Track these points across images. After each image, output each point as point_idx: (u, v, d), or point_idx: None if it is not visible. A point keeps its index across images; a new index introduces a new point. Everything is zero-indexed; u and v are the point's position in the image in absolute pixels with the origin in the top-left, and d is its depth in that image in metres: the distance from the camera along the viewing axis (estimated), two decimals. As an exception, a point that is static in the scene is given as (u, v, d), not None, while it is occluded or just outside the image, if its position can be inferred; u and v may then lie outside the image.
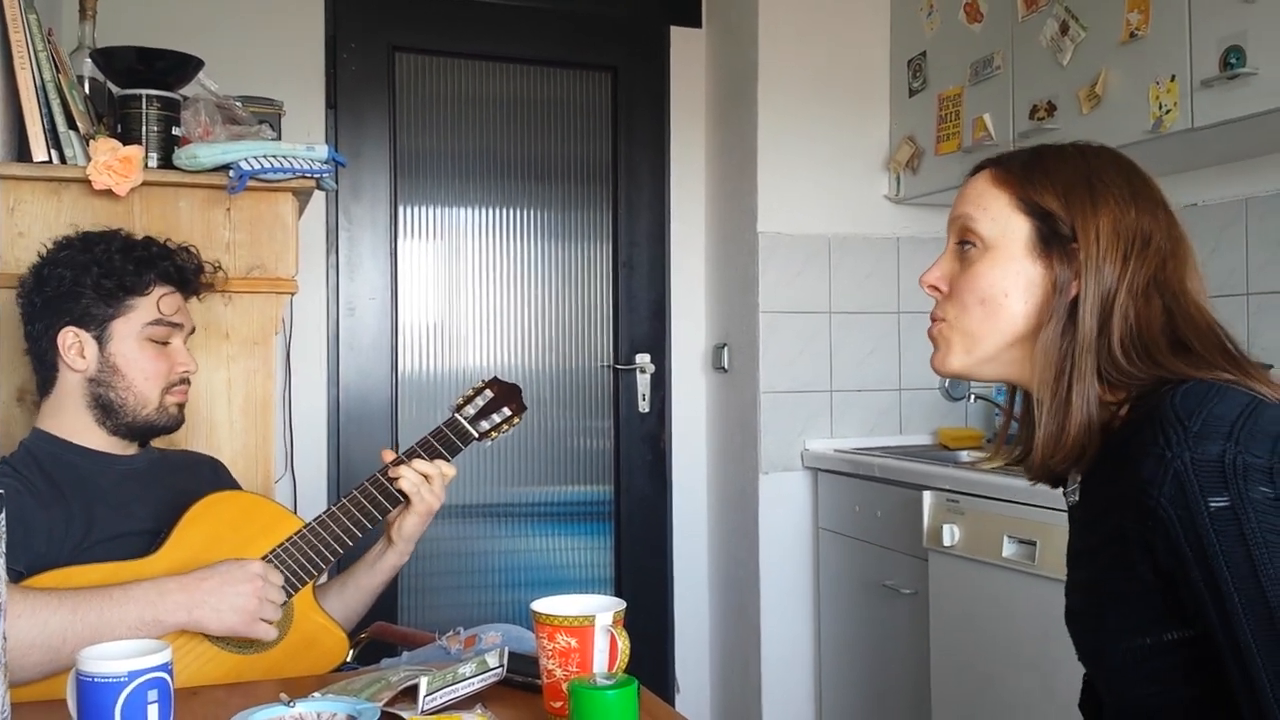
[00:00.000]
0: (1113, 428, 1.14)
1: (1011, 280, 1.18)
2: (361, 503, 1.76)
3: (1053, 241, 1.16)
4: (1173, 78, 2.30)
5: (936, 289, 1.25)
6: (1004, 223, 1.19)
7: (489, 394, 1.88)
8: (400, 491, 1.77)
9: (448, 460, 1.82)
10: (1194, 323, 1.14)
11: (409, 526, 1.80)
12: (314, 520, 1.73)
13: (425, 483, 1.78)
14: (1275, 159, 2.53)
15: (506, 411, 1.89)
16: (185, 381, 1.78)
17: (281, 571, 1.66)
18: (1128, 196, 1.17)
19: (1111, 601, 1.13)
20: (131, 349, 1.72)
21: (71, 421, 1.72)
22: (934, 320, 1.26)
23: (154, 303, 1.74)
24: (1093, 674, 1.23)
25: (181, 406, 1.78)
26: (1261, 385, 1.09)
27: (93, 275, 1.70)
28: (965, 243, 1.22)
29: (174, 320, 1.76)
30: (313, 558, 1.70)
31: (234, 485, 1.92)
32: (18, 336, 1.94)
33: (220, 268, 1.92)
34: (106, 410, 1.72)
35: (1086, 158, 1.21)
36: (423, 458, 1.80)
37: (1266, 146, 2.48)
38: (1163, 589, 1.06)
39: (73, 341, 1.71)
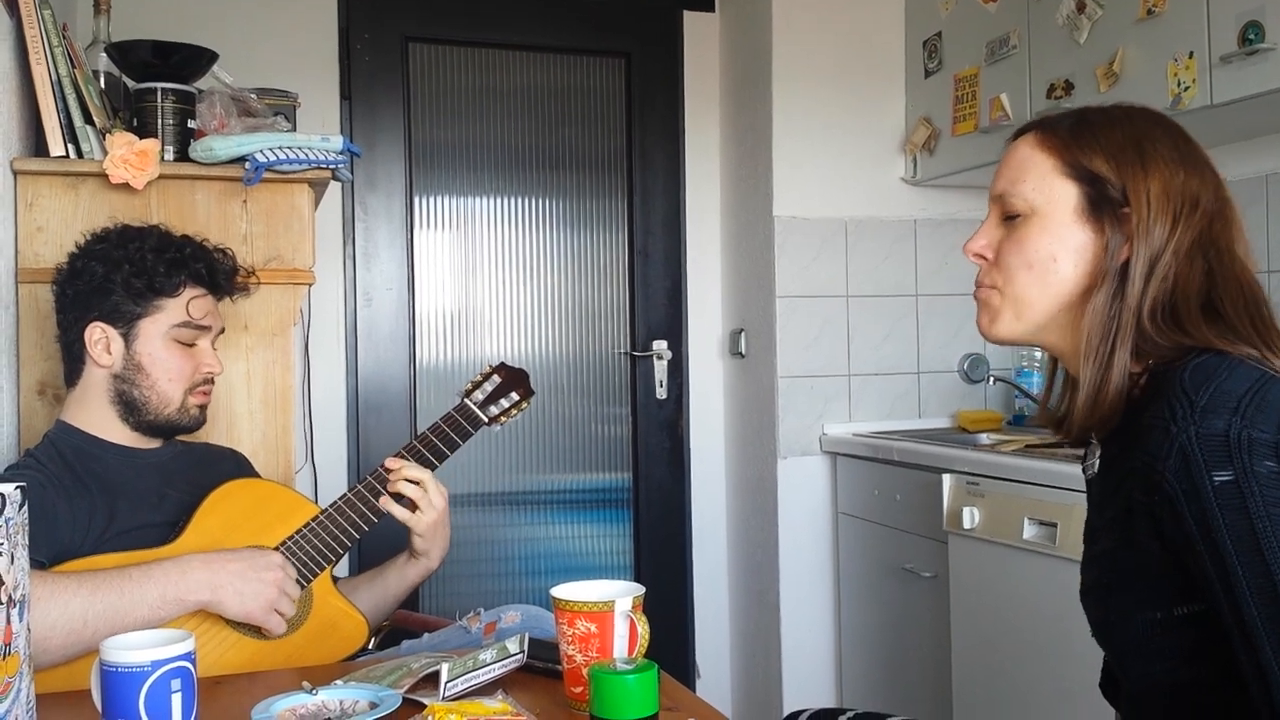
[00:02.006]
0: (1132, 397, 1.13)
1: (1060, 245, 1.17)
2: (376, 488, 1.77)
3: (1103, 206, 1.15)
4: (1191, 54, 2.28)
5: (982, 256, 1.24)
6: (1050, 189, 1.18)
7: (496, 379, 1.89)
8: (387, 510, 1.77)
9: (459, 445, 1.84)
10: (1236, 283, 1.14)
11: (417, 542, 1.82)
12: (330, 506, 1.75)
13: (426, 492, 1.77)
14: (1296, 135, 2.51)
15: (515, 396, 1.90)
16: (209, 382, 1.79)
17: (299, 557, 1.67)
18: (1176, 159, 1.16)
19: (1122, 576, 1.13)
20: (158, 349, 1.72)
21: (95, 415, 1.73)
22: (980, 286, 1.24)
23: (183, 304, 1.73)
24: (1105, 650, 1.22)
25: (204, 408, 1.79)
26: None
27: (124, 273, 1.70)
28: (1010, 215, 1.21)
29: (202, 323, 1.76)
30: (330, 543, 1.72)
31: (255, 477, 1.93)
32: (39, 330, 1.96)
33: (254, 272, 1.91)
34: (129, 407, 1.73)
35: (1134, 120, 1.20)
36: (422, 453, 1.81)
37: (1287, 122, 2.46)
38: (1171, 563, 1.06)
39: (99, 337, 1.71)
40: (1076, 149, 1.17)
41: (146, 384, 1.72)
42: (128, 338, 1.72)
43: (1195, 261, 1.13)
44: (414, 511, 1.77)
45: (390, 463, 1.78)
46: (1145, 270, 1.12)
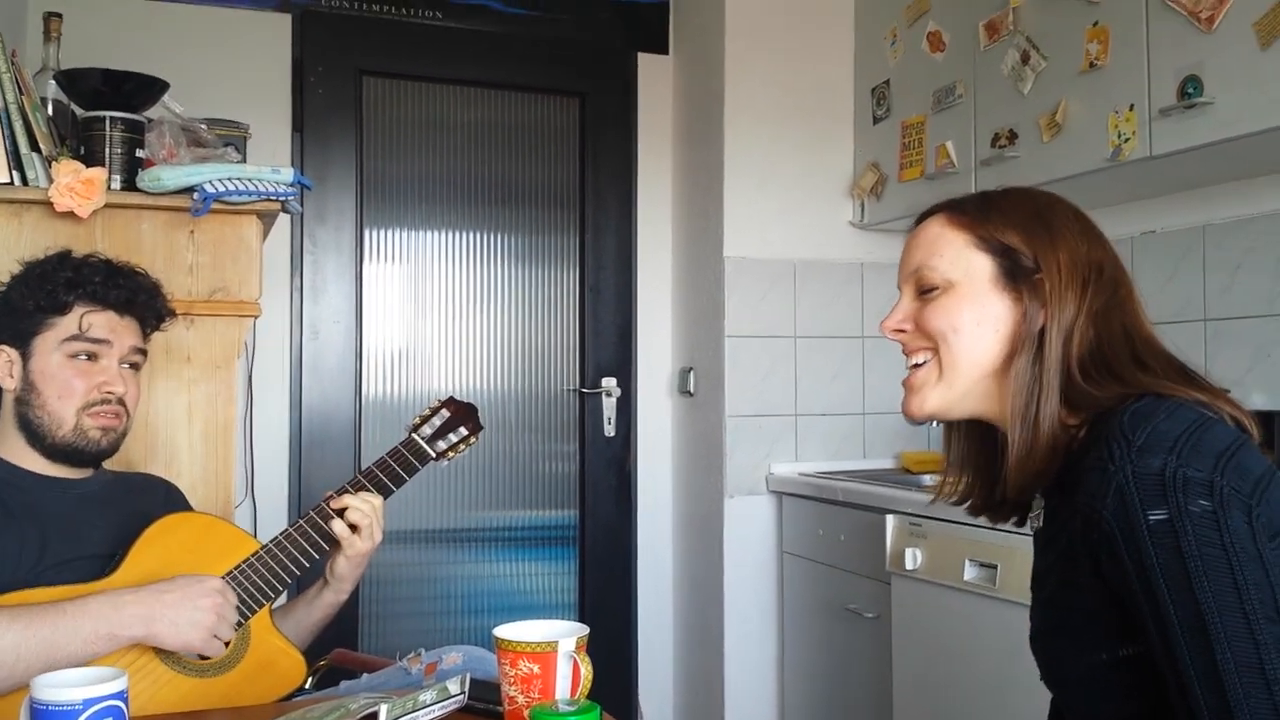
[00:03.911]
0: (1071, 449, 1.15)
1: (981, 312, 1.20)
2: (318, 524, 1.74)
3: (1018, 275, 1.19)
4: (1131, 107, 2.34)
5: (900, 330, 1.27)
6: (965, 262, 1.21)
7: (445, 413, 1.87)
8: (334, 534, 1.75)
9: (374, 492, 1.79)
10: (1151, 344, 1.19)
11: (340, 567, 1.79)
12: (271, 542, 1.72)
13: (374, 521, 1.75)
14: (1232, 187, 2.57)
15: (463, 431, 1.88)
16: (109, 402, 1.70)
17: (238, 594, 1.64)
18: (1078, 231, 1.22)
19: (1067, 618, 1.14)
20: (50, 365, 1.68)
21: (11, 444, 1.70)
22: (909, 354, 1.26)
23: (75, 320, 1.69)
24: (1055, 694, 1.24)
25: (106, 430, 1.71)
26: (1221, 403, 1.11)
27: (19, 293, 1.69)
28: (927, 290, 1.24)
29: (96, 337, 1.70)
30: (270, 580, 1.69)
31: (186, 508, 1.89)
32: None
33: (158, 290, 1.82)
34: (30, 431, 1.68)
35: (1033, 197, 1.26)
36: (369, 488, 1.78)
37: (1223, 174, 2.52)
38: (1114, 604, 1.07)
39: (4, 361, 1.69)
40: (987, 223, 1.22)
41: (38, 403, 1.67)
42: (25, 357, 1.69)
43: (1112, 322, 1.18)
44: (354, 533, 1.75)
45: (335, 503, 1.76)
46: (1063, 334, 1.16)
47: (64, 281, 1.70)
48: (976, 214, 1.23)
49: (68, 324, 1.69)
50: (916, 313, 1.25)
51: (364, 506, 1.75)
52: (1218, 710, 0.97)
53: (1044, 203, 1.24)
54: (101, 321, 1.72)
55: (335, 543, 1.75)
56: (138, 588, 1.54)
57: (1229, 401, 1.12)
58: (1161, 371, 1.15)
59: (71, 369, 1.69)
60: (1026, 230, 1.20)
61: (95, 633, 1.47)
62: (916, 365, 1.26)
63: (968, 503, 1.34)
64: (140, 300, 1.77)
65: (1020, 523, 1.31)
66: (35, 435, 1.69)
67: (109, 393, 1.71)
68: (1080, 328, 1.16)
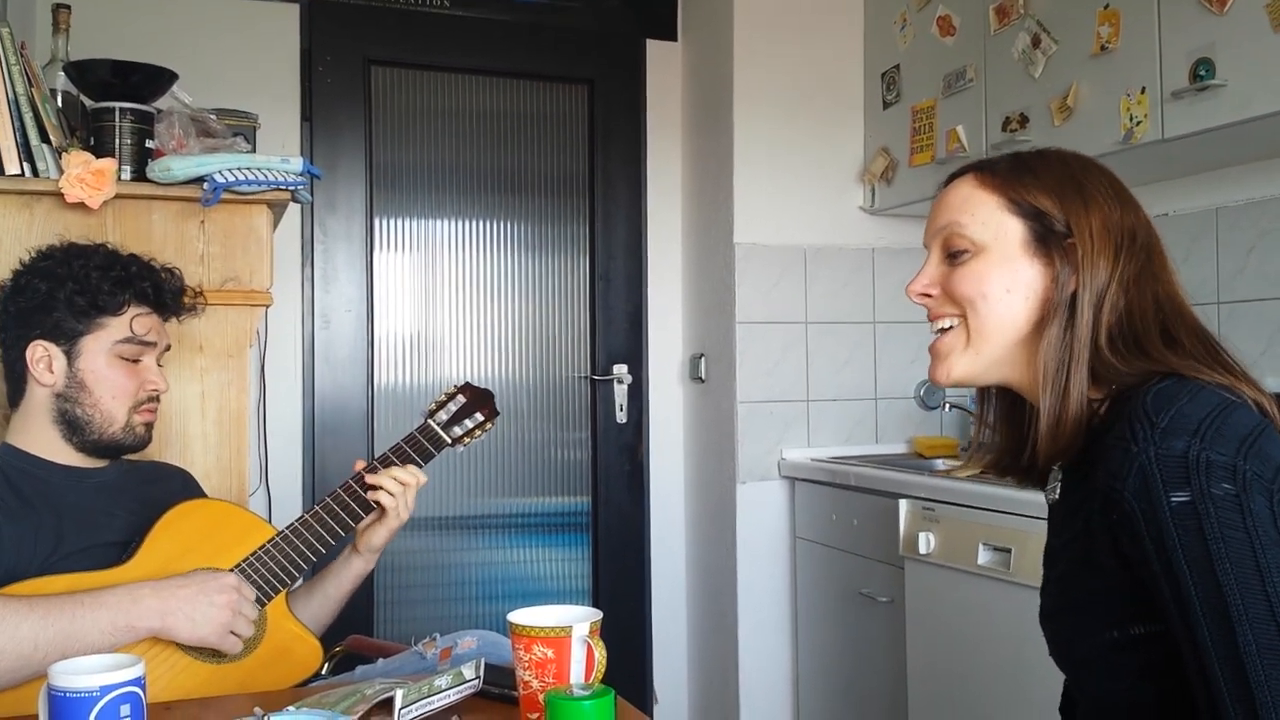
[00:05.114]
0: (1092, 425, 1.15)
1: (1011, 279, 1.18)
2: (335, 510, 1.75)
3: (1049, 240, 1.17)
4: (1143, 89, 2.33)
5: (926, 294, 1.24)
6: (996, 225, 1.19)
7: (461, 399, 1.87)
8: (376, 502, 1.76)
9: (420, 466, 1.82)
10: (1183, 316, 1.17)
11: (379, 539, 1.81)
12: (286, 528, 1.73)
13: (404, 492, 1.77)
14: (1245, 169, 2.56)
15: (479, 417, 1.88)
16: (154, 400, 1.76)
17: (255, 580, 1.66)
18: (1112, 195, 1.19)
19: (1080, 595, 1.14)
20: (100, 365, 1.70)
21: (39, 436, 1.71)
22: (934, 319, 1.24)
23: (127, 322, 1.71)
24: (1064, 670, 1.24)
25: (149, 426, 1.76)
26: (1244, 385, 1.10)
27: (67, 290, 1.68)
28: (955, 252, 1.21)
29: (146, 339, 1.73)
30: (286, 566, 1.70)
31: (202, 496, 1.90)
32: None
33: (201, 292, 1.89)
34: (73, 426, 1.70)
35: (1067, 160, 1.23)
36: (397, 465, 1.79)
37: (1236, 156, 2.51)
38: (1129, 582, 1.07)
39: (42, 355, 1.69)
40: (1019, 186, 1.20)
41: (89, 402, 1.69)
42: (70, 355, 1.69)
43: (1145, 292, 1.16)
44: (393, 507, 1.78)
45: (372, 479, 1.77)
46: (1094, 301, 1.14)
47: (116, 280, 1.71)
48: (1008, 175, 1.21)
49: (120, 326, 1.71)
50: (944, 277, 1.23)
51: (408, 478, 1.78)
52: (1238, 693, 0.97)
53: (1077, 166, 1.22)
54: (149, 323, 1.75)
55: (362, 518, 1.77)
56: (155, 581, 1.55)
57: (1251, 384, 1.11)
58: (1189, 348, 1.13)
59: (122, 369, 1.72)
60: (1059, 193, 1.18)
61: (113, 624, 1.48)
62: (942, 330, 1.24)
63: (997, 464, 1.32)
64: (175, 302, 1.81)
65: (1041, 486, 1.29)
66: (77, 430, 1.70)
67: (154, 390, 1.75)
68: (1112, 295, 1.14)
